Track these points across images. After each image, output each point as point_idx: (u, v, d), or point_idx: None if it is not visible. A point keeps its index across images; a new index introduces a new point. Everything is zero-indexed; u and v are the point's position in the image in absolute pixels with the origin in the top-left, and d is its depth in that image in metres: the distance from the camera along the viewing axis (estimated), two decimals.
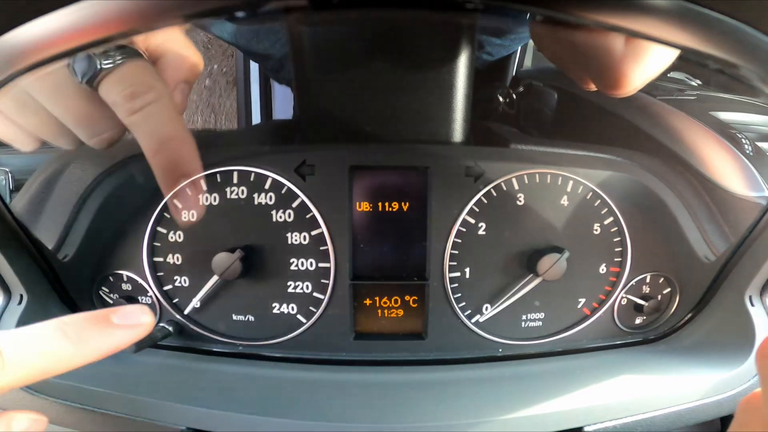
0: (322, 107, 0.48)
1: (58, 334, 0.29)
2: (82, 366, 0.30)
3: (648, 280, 0.52)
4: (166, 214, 0.48)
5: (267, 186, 0.47)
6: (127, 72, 0.36)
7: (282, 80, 0.98)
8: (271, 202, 0.47)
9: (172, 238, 0.49)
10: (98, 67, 0.35)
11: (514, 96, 0.72)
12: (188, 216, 0.42)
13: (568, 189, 0.49)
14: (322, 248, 0.48)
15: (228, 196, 0.47)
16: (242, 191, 0.47)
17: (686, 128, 0.55)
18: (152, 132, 0.37)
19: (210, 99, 1.40)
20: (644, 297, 0.52)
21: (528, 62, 0.88)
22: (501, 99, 0.74)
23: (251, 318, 0.50)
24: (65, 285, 0.50)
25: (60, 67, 0.35)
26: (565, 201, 0.49)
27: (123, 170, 0.47)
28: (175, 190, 0.38)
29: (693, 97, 0.65)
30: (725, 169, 0.51)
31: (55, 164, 0.48)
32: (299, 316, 0.50)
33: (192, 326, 0.50)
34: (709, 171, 0.51)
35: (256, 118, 1.15)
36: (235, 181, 0.47)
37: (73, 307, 0.51)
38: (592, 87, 0.35)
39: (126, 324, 0.31)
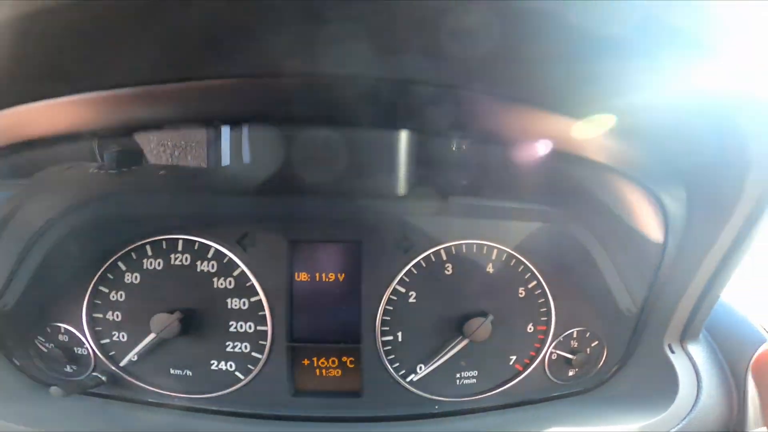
0: (267, 160, 0.48)
1: None
2: None
3: (575, 335, 0.55)
4: (109, 274, 0.50)
5: (210, 255, 0.50)
6: None
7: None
8: (213, 270, 0.50)
9: (113, 297, 0.50)
10: None
11: (455, 148, 0.74)
12: None
13: (493, 257, 0.52)
14: (260, 313, 0.50)
15: (171, 262, 0.50)
16: (186, 258, 0.50)
17: (602, 174, 0.56)
18: None
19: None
20: (573, 351, 0.55)
21: None
22: (443, 152, 0.75)
23: (189, 373, 0.51)
24: (1, 333, 0.50)
25: None
26: (490, 268, 0.52)
27: (67, 223, 0.47)
28: None
29: None
30: (639, 213, 0.51)
31: (2, 209, 0.47)
32: (237, 373, 0.51)
33: (127, 377, 0.51)
34: (627, 217, 0.51)
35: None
36: (179, 248, 0.50)
37: (7, 352, 0.51)
38: None
39: None
